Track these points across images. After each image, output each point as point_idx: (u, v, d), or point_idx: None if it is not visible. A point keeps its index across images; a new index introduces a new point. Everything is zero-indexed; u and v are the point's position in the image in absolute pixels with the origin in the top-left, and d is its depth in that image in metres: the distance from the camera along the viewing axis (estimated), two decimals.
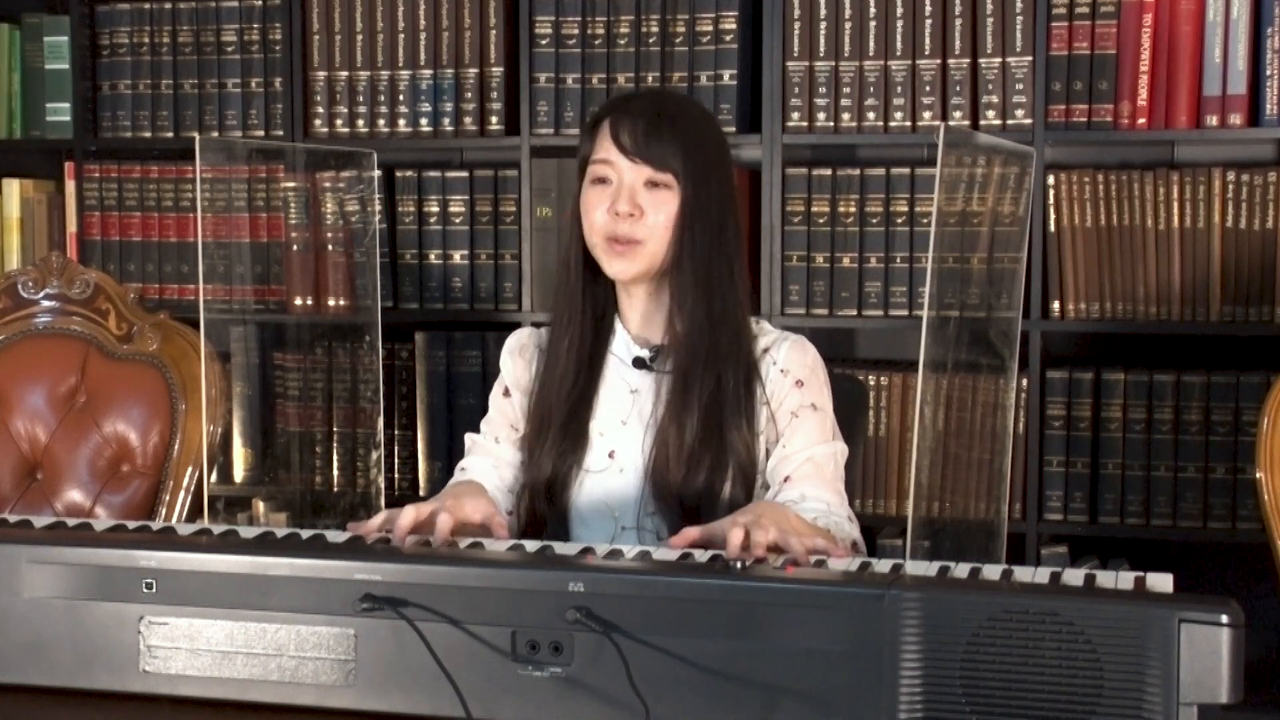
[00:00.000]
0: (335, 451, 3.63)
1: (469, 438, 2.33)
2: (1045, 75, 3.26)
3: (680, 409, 2.16)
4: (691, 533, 1.88)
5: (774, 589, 1.60)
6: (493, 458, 2.28)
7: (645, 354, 2.23)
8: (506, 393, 2.32)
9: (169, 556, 1.74)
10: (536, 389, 2.26)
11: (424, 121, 3.59)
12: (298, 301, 3.64)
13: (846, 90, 3.36)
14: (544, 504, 2.22)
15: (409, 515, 1.88)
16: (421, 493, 3.60)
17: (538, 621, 1.63)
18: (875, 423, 3.37)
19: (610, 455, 2.23)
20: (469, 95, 3.56)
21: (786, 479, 2.15)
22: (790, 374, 2.20)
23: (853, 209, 3.39)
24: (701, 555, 1.78)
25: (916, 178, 3.36)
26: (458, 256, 3.60)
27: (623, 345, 2.25)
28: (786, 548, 1.80)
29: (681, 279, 2.16)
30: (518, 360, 2.32)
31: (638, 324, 2.24)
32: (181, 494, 2.66)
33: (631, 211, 2.14)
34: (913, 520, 1.81)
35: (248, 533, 1.90)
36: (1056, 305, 3.30)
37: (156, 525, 1.98)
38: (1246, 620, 1.49)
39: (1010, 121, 3.29)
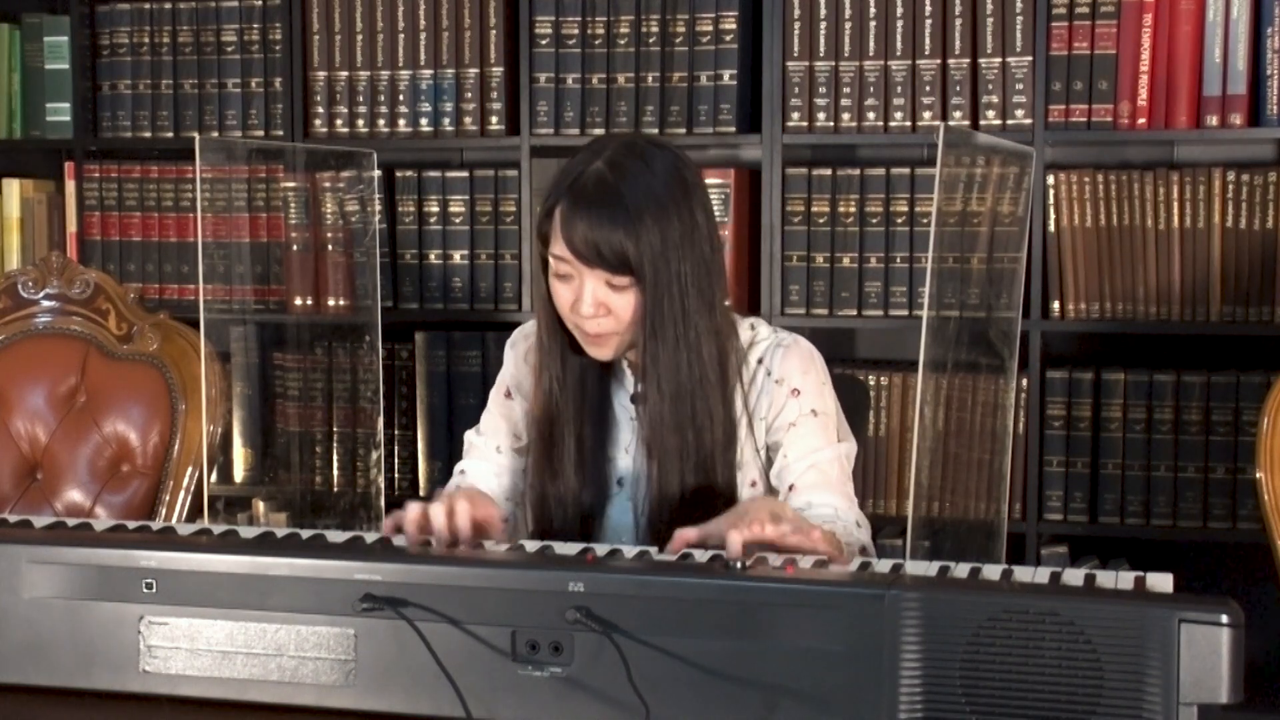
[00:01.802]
0: (335, 451, 3.63)
1: (468, 438, 2.32)
2: (1045, 75, 3.26)
3: (666, 477, 2.12)
4: (689, 534, 1.86)
5: (774, 589, 1.60)
6: (493, 465, 2.27)
7: (641, 389, 2.18)
8: (509, 394, 2.30)
9: (169, 556, 1.74)
10: (542, 428, 2.21)
11: (424, 121, 3.59)
12: (298, 301, 3.64)
13: (846, 90, 3.36)
14: (566, 527, 2.20)
15: (440, 517, 1.88)
16: (421, 493, 3.60)
17: (538, 621, 1.63)
18: (875, 423, 3.37)
19: (619, 484, 2.22)
20: (469, 95, 3.56)
21: (791, 487, 2.14)
22: (785, 383, 2.17)
23: (853, 209, 3.39)
24: (701, 555, 1.78)
25: (916, 178, 3.36)
26: (458, 256, 3.60)
27: (622, 375, 2.23)
28: (783, 542, 1.80)
29: (650, 363, 2.10)
30: (520, 364, 2.29)
31: (633, 355, 2.19)
32: (181, 494, 2.66)
33: (596, 313, 2.09)
34: (913, 520, 1.81)
35: (248, 533, 1.90)
36: (1056, 305, 3.30)
37: (156, 525, 1.98)
38: (1246, 620, 1.49)
39: (1010, 121, 3.29)
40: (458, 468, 2.30)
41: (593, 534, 2.20)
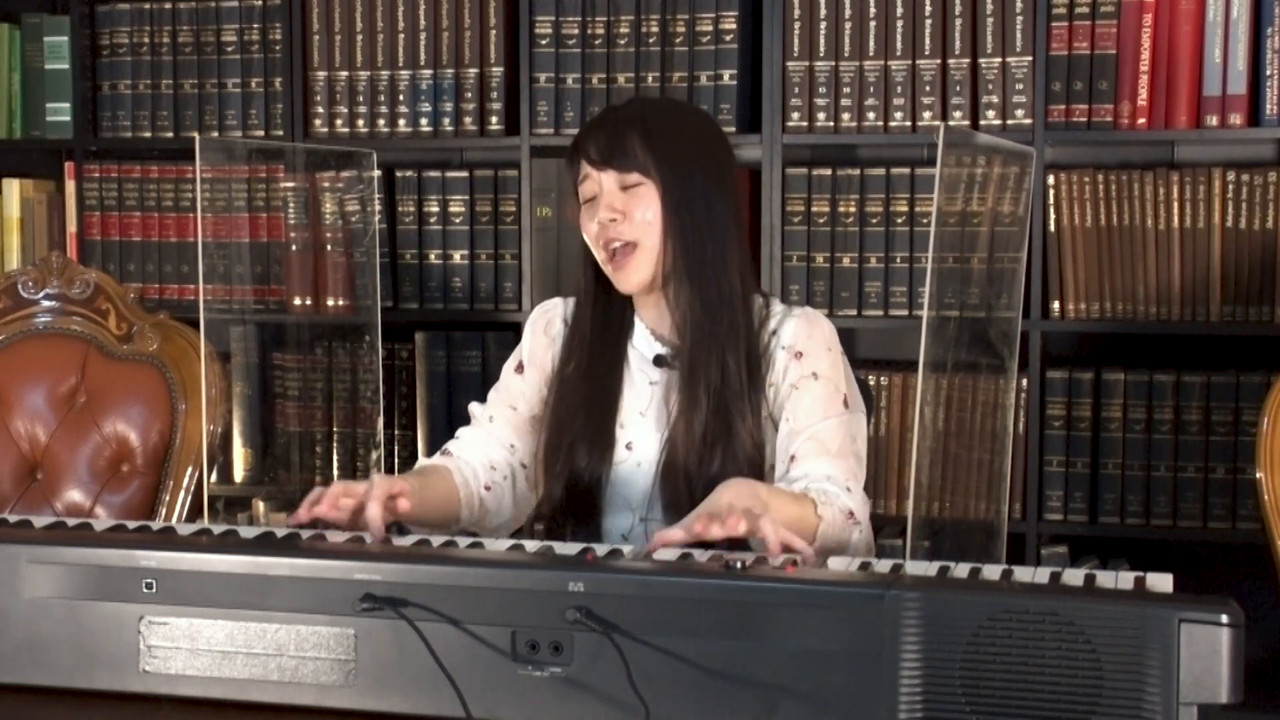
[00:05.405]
0: (335, 451, 3.63)
1: (471, 408, 2.38)
2: (1045, 75, 3.26)
3: (689, 404, 2.17)
4: (672, 535, 1.86)
5: (774, 589, 1.60)
6: (484, 431, 2.33)
7: (665, 351, 2.24)
8: (520, 368, 2.35)
9: (169, 556, 1.74)
10: (556, 385, 2.27)
11: (424, 121, 3.59)
12: (298, 301, 3.64)
13: (846, 90, 3.36)
14: (571, 497, 2.24)
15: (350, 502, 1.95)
16: None
17: (538, 621, 1.63)
18: (875, 423, 3.37)
19: (628, 447, 2.24)
20: (469, 95, 3.56)
21: (792, 458, 2.15)
22: (791, 348, 2.21)
23: (853, 209, 3.39)
24: (701, 555, 1.78)
25: (916, 178, 3.36)
26: (458, 256, 3.60)
27: (643, 340, 2.27)
28: (759, 532, 1.81)
29: (675, 274, 2.18)
30: (540, 337, 2.34)
31: (654, 320, 2.26)
32: (181, 494, 2.66)
33: (614, 216, 2.16)
34: (913, 520, 1.81)
35: (248, 533, 1.91)
36: (1056, 305, 3.30)
37: (156, 525, 1.98)
38: (1246, 620, 1.49)
39: (1010, 121, 3.29)
40: (458, 432, 2.35)
41: (597, 496, 2.23)
